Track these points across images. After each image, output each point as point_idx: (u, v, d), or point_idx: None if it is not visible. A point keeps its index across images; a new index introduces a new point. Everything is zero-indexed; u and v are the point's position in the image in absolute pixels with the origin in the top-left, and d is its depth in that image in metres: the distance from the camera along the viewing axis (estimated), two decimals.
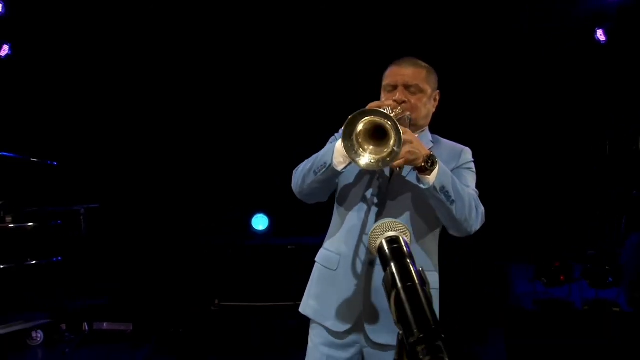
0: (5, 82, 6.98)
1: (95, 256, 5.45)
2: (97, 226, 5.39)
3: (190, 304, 5.63)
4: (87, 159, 6.25)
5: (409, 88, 1.90)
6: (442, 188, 1.68)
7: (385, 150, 1.52)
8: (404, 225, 1.16)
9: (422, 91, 1.92)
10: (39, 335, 5.04)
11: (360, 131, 1.53)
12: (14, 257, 4.93)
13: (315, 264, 2.01)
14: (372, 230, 1.15)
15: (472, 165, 1.97)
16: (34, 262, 5.04)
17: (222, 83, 6.61)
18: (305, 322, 2.06)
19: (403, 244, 1.09)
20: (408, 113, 1.86)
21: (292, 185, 1.94)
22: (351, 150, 1.53)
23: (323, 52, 6.33)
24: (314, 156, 1.85)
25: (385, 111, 1.54)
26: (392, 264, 1.01)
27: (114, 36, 6.68)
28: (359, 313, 1.85)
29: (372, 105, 1.66)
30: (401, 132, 1.49)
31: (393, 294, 0.96)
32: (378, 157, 1.53)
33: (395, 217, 1.81)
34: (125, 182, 6.27)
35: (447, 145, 2.00)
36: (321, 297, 1.93)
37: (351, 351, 1.89)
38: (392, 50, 5.58)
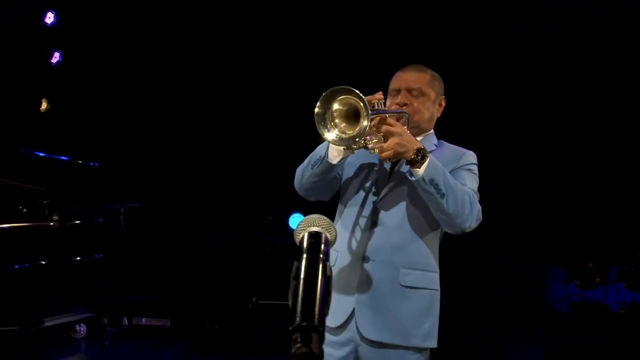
0: (54, 88, 7.38)
1: (134, 253, 5.66)
2: (136, 224, 5.58)
3: (227, 302, 5.76)
4: (126, 160, 6.51)
5: (411, 91, 1.95)
6: (432, 180, 1.71)
7: (355, 130, 1.56)
8: (329, 223, 1.19)
9: (424, 94, 1.96)
10: (82, 329, 5.29)
11: (335, 109, 1.59)
12: (60, 253, 5.18)
13: None
14: (299, 223, 1.19)
15: (474, 167, 1.98)
16: (77, 258, 5.30)
17: (260, 81, 6.70)
18: None
19: (323, 241, 1.13)
20: (408, 114, 1.90)
21: (294, 181, 2.01)
22: (321, 124, 1.60)
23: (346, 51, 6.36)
24: (312, 152, 1.92)
25: (360, 94, 1.58)
26: (304, 257, 1.05)
27: (142, 44, 6.95)
28: (351, 308, 1.88)
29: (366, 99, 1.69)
30: (369, 115, 1.53)
31: (293, 285, 0.99)
32: (346, 135, 1.59)
33: (394, 212, 1.88)
34: (163, 182, 6.48)
35: (451, 148, 2.04)
36: None
37: (346, 349, 1.89)
38: (394, 50, 5.63)
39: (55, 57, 7.61)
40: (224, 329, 5.31)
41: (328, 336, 1.87)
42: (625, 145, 5.86)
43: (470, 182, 1.92)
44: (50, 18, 7.46)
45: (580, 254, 5.02)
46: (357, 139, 1.58)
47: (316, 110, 1.58)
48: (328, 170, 1.86)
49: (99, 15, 7.19)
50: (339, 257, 1.93)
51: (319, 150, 1.85)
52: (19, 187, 5.23)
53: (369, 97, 1.73)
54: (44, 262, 4.99)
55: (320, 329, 0.91)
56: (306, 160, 1.95)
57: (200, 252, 5.98)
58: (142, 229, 5.76)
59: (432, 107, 2.01)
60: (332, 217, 2.14)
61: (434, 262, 1.95)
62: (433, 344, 1.91)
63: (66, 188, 5.59)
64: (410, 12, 6.10)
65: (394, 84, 2.00)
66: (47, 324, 5.07)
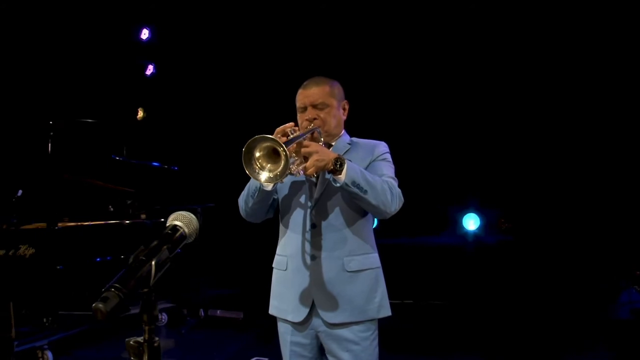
0: (149, 98, 8.08)
1: (210, 250, 6.10)
2: (212, 223, 6.00)
3: None
4: (205, 164, 6.99)
5: (316, 106, 2.17)
6: (353, 182, 1.93)
7: (280, 165, 1.79)
8: (190, 220, 1.41)
9: (328, 105, 2.18)
10: (163, 317, 5.80)
11: (258, 155, 1.82)
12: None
13: (273, 269, 2.28)
14: (170, 216, 1.43)
15: (387, 155, 2.22)
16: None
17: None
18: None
19: (178, 234, 1.37)
20: (318, 127, 2.12)
21: (240, 210, 2.26)
22: (252, 171, 1.83)
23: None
24: (248, 183, 2.17)
25: (274, 137, 1.81)
26: (155, 242, 1.31)
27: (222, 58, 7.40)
28: (311, 302, 2.10)
29: (277, 131, 1.95)
30: (287, 150, 1.75)
31: (135, 256, 1.23)
32: (275, 172, 1.81)
33: (328, 212, 2.13)
34: (237, 184, 6.90)
35: (363, 143, 2.26)
36: (279, 296, 2.21)
37: (311, 334, 2.14)
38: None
39: (150, 70, 8.36)
40: None
41: (295, 329, 2.14)
42: None
43: (387, 170, 2.15)
44: (145, 34, 8.19)
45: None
46: (285, 172, 1.80)
47: (244, 165, 1.82)
48: (266, 196, 2.12)
49: (189, 31, 7.79)
50: (289, 261, 2.17)
51: (254, 182, 2.09)
52: (112, 188, 5.81)
53: (282, 127, 1.97)
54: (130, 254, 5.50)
55: (123, 298, 1.14)
56: (245, 192, 2.19)
57: (272, 250, 6.30)
58: (217, 228, 6.17)
59: (337, 114, 2.23)
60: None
61: (369, 245, 2.17)
62: (387, 312, 2.16)
63: (151, 189, 6.12)
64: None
65: (299, 102, 2.21)
66: (132, 311, 5.59)
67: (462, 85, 6.78)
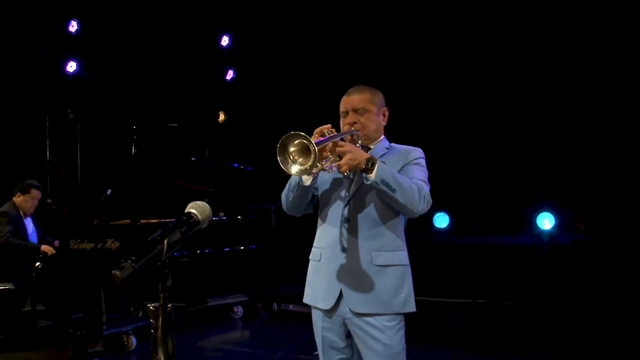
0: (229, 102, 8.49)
1: (284, 248, 6.32)
2: (285, 222, 6.22)
3: None
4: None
5: (357, 111, 2.32)
6: (383, 181, 2.06)
7: (310, 160, 1.95)
8: (203, 207, 1.59)
9: (368, 111, 2.33)
10: (239, 310, 6.11)
11: (292, 150, 1.99)
12: (225, 244, 6.02)
13: (309, 260, 2.42)
14: (189, 204, 1.61)
15: (420, 160, 2.33)
16: (236, 248, 6.09)
17: None
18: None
19: (191, 218, 1.55)
20: (357, 131, 2.28)
21: (282, 205, 2.41)
22: (285, 163, 1.99)
23: None
24: (290, 179, 2.31)
25: (306, 134, 1.97)
26: (172, 224, 1.48)
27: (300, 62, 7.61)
28: (339, 291, 2.23)
29: (316, 131, 2.11)
30: (316, 148, 1.91)
31: (155, 236, 1.40)
32: (305, 166, 1.97)
33: (362, 208, 2.27)
34: None
35: (399, 148, 2.39)
36: (312, 285, 2.35)
37: (339, 321, 2.27)
38: None
39: (230, 75, 8.77)
40: None
41: (325, 316, 2.27)
42: None
43: (418, 173, 2.26)
44: (225, 41, 8.61)
45: None
46: (314, 167, 1.96)
47: (278, 157, 1.99)
48: (305, 191, 2.26)
49: (267, 38, 8.12)
50: (323, 252, 2.31)
51: (294, 178, 2.23)
52: (191, 188, 6.18)
53: (320, 128, 2.13)
54: (208, 251, 5.83)
55: (136, 268, 1.33)
56: (286, 187, 2.34)
57: None
58: (289, 226, 6.39)
59: (376, 119, 2.36)
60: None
61: (400, 243, 2.27)
62: (412, 308, 2.25)
63: (229, 189, 6.43)
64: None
65: (342, 107, 2.36)
66: (210, 303, 5.97)
67: (536, 82, 6.63)
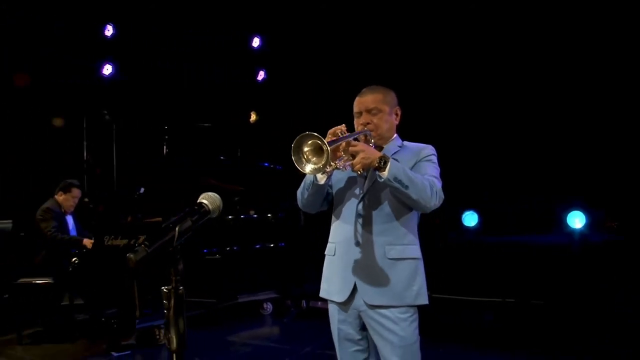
0: (261, 102, 8.63)
1: (312, 247, 6.38)
2: (313, 220, 6.30)
3: None
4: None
5: (370, 111, 2.39)
6: (395, 178, 2.13)
7: (322, 159, 2.04)
8: (214, 198, 1.69)
9: (381, 111, 2.40)
10: (269, 307, 6.20)
11: (306, 150, 2.08)
12: (255, 241, 6.12)
13: (325, 255, 2.50)
14: (201, 195, 1.70)
15: (432, 157, 2.39)
16: (271, 245, 6.17)
17: None
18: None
19: (203, 208, 1.66)
20: (370, 131, 2.35)
21: (297, 202, 2.49)
22: (300, 162, 2.08)
23: None
24: (305, 178, 2.39)
25: (319, 135, 2.05)
26: (182, 214, 1.58)
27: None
28: (353, 284, 2.30)
29: (329, 132, 2.19)
30: (328, 148, 2.00)
31: (165, 224, 1.53)
32: (318, 165, 2.06)
33: (375, 204, 2.34)
34: None
35: (411, 146, 2.45)
36: (327, 280, 2.43)
37: (354, 314, 2.34)
38: None
39: (261, 75, 8.91)
40: None
41: (341, 308, 2.35)
42: None
43: (430, 170, 2.32)
44: (256, 42, 8.75)
45: None
46: (327, 166, 2.06)
47: (293, 157, 2.07)
48: (319, 189, 2.34)
49: (299, 38, 8.23)
50: (337, 247, 2.38)
51: (309, 176, 2.31)
52: (222, 187, 6.31)
53: (333, 129, 2.20)
54: (238, 248, 5.94)
55: (149, 252, 1.45)
56: (302, 185, 2.42)
57: None
58: (317, 225, 6.46)
59: (389, 119, 2.43)
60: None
61: (412, 237, 2.33)
62: (424, 301, 2.31)
63: (259, 187, 6.55)
64: None
65: (355, 108, 2.43)
66: (240, 300, 6.10)
67: (567, 78, 6.54)
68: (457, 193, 7.32)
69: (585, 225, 6.41)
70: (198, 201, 1.68)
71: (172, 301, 1.52)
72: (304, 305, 6.23)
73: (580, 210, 6.43)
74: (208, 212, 1.67)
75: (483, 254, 6.65)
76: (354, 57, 7.62)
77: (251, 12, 8.21)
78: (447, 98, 7.18)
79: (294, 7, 7.96)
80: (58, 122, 6.78)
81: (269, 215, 6.21)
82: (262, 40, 8.78)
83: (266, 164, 6.74)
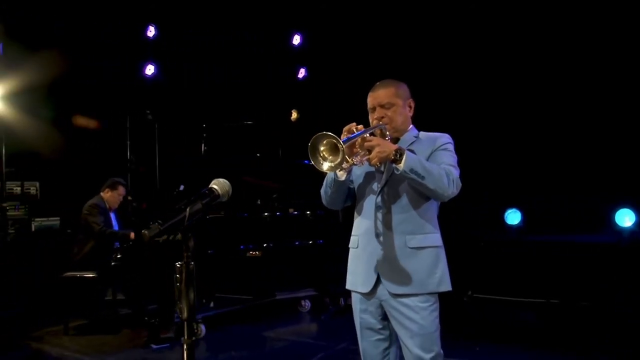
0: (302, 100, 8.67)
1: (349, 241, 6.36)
2: (352, 218, 6.28)
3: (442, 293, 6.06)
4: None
5: (383, 106, 2.44)
6: (411, 169, 2.18)
7: (338, 157, 2.09)
8: (223, 183, 1.84)
9: (394, 105, 2.45)
10: (307, 304, 6.24)
11: (322, 149, 2.13)
12: (294, 239, 6.15)
13: (349, 249, 2.54)
14: (213, 181, 1.83)
15: (448, 146, 2.43)
16: (310, 242, 6.18)
17: None
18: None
19: (213, 193, 1.81)
20: (385, 125, 2.40)
21: (322, 200, 2.56)
22: (317, 161, 2.14)
23: None
24: (326, 176, 2.46)
25: (333, 134, 2.09)
26: (193, 197, 1.72)
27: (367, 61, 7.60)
28: (377, 274, 2.35)
29: (344, 130, 2.22)
30: (343, 145, 2.05)
31: (177, 206, 1.63)
32: (335, 162, 2.11)
33: (393, 196, 2.39)
34: None
35: (428, 136, 2.49)
36: (352, 272, 2.48)
37: (376, 303, 2.39)
38: None
39: (302, 73, 8.95)
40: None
41: (365, 299, 2.41)
42: None
43: (446, 158, 2.37)
44: (297, 40, 8.80)
45: None
46: (343, 162, 2.11)
47: (310, 156, 2.13)
48: (341, 186, 2.42)
49: (337, 37, 8.23)
50: (360, 239, 2.43)
51: (331, 174, 2.40)
52: (261, 184, 6.38)
53: (347, 126, 2.24)
54: (276, 245, 5.97)
55: (162, 230, 1.60)
56: (324, 184, 2.50)
57: None
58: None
59: (403, 112, 2.48)
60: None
61: (431, 226, 2.39)
62: (447, 287, 2.36)
63: (298, 185, 6.57)
64: None
65: (369, 103, 2.49)
66: (278, 297, 6.15)
67: (614, 75, 6.31)
68: (499, 191, 7.21)
69: (635, 224, 6.16)
70: (209, 186, 1.78)
71: (184, 274, 1.67)
72: (342, 302, 6.22)
73: (629, 208, 6.19)
74: (218, 196, 1.82)
75: (526, 253, 6.47)
76: (393, 53, 7.55)
77: (291, 9, 8.27)
78: (493, 95, 7.03)
79: (334, 4, 7.96)
80: (82, 121, 7.00)
81: (308, 212, 6.24)
82: (302, 38, 8.82)
83: (306, 162, 6.73)
